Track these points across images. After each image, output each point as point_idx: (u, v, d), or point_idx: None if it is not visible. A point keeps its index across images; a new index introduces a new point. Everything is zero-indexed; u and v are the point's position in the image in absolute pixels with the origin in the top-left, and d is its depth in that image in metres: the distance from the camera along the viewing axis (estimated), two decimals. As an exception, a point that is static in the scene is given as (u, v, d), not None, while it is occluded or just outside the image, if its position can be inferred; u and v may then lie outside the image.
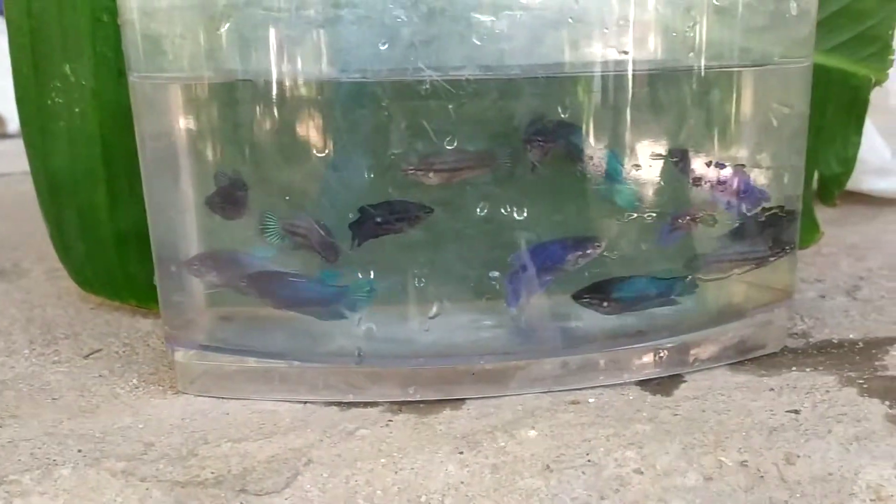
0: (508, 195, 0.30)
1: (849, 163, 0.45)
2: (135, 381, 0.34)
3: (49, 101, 0.38)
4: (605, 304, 0.31)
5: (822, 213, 0.64)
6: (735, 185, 0.31)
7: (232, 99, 0.29)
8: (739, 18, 0.30)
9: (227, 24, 0.28)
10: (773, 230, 0.33)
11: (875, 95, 0.61)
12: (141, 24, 0.29)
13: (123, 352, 0.37)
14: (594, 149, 0.30)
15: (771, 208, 0.33)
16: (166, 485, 0.26)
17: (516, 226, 0.30)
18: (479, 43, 0.28)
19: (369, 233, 0.30)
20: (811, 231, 0.46)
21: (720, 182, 0.31)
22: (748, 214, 0.32)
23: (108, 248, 0.40)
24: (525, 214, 0.31)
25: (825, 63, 0.42)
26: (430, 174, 0.29)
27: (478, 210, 0.30)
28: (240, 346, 0.32)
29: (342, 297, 0.30)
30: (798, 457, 0.28)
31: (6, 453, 0.28)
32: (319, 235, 0.30)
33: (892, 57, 0.43)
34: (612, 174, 0.30)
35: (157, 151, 0.31)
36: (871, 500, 0.27)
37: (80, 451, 0.28)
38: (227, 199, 0.30)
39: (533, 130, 0.29)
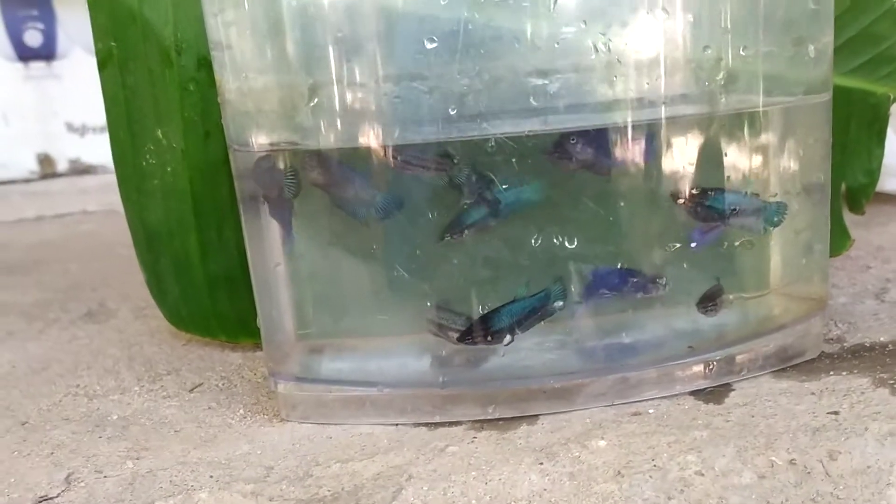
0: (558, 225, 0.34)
1: (873, 174, 0.48)
2: (241, 411, 0.38)
3: (143, 163, 0.43)
4: (489, 338, 0.34)
5: (848, 214, 0.68)
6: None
7: (321, 164, 0.34)
8: (764, 64, 0.34)
9: (316, 100, 0.32)
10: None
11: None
12: (238, 102, 0.34)
13: (223, 385, 0.42)
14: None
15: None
16: (292, 502, 0.30)
17: (568, 255, 0.34)
18: (535, 103, 0.32)
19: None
20: (842, 239, 0.49)
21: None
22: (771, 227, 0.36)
23: (200, 290, 0.44)
24: (575, 243, 0.34)
25: (846, 84, 0.45)
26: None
27: (532, 241, 0.34)
28: (336, 377, 0.36)
29: None
30: (840, 453, 0.31)
31: (148, 482, 0.32)
32: None
33: None
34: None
35: (255, 211, 0.35)
36: (907, 488, 0.31)
37: (211, 476, 0.32)
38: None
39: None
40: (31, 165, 1.24)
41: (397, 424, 0.35)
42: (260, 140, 0.34)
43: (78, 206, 1.02)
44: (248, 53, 0.33)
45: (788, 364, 0.38)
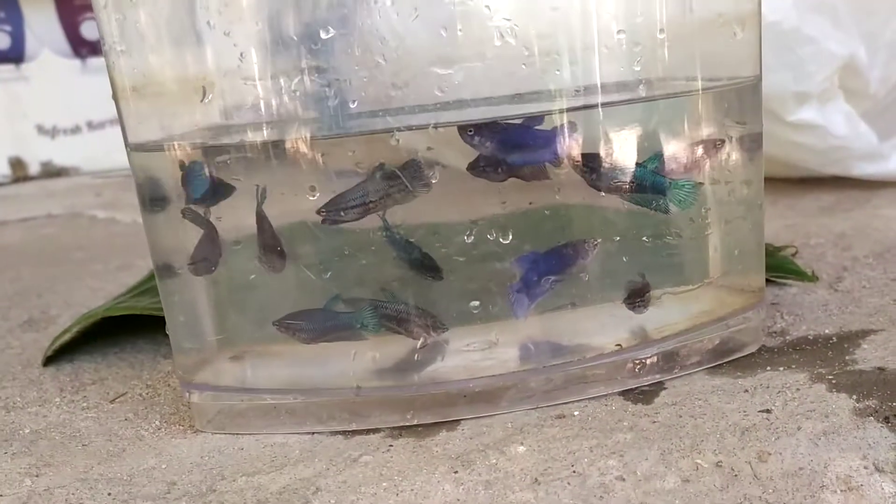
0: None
1: None
2: (157, 422, 0.37)
3: None
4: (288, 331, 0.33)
5: (815, 200, 0.66)
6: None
7: (219, 161, 0.32)
8: (686, 46, 0.32)
9: (210, 96, 0.31)
10: None
11: (857, 83, 0.63)
12: (132, 101, 0.32)
13: (147, 394, 0.40)
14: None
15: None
16: (188, 521, 0.29)
17: (497, 256, 0.33)
18: (440, 94, 0.30)
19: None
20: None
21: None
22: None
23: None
24: (509, 240, 0.33)
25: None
26: (342, 213, 0.31)
27: (465, 237, 0.33)
28: (249, 386, 0.34)
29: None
30: (770, 454, 0.30)
31: (43, 501, 0.30)
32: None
33: None
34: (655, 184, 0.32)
35: (157, 212, 0.34)
36: (841, 490, 0.29)
37: (109, 493, 0.31)
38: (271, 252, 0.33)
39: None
40: (2, 169, 1.23)
41: (313, 433, 0.34)
42: (155, 140, 0.32)
43: (44, 210, 1.01)
44: (138, 49, 0.31)
45: (726, 359, 0.36)
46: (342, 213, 0.31)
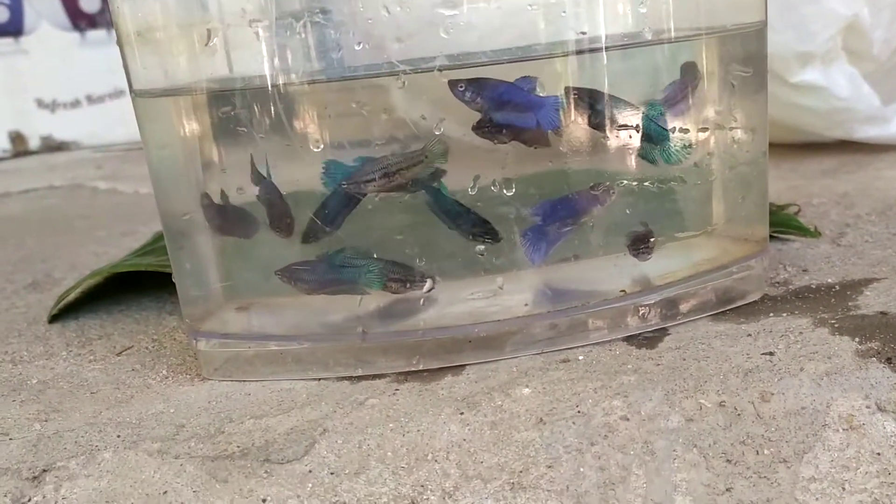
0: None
1: None
2: (164, 371, 0.37)
3: None
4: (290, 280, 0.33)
5: (818, 164, 0.66)
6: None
7: (224, 106, 0.32)
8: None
9: (215, 39, 0.31)
10: None
11: (860, 44, 0.63)
12: (137, 47, 0.32)
13: (153, 347, 0.41)
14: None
15: None
16: (198, 460, 0.29)
17: (502, 203, 0.33)
18: (446, 36, 0.30)
19: None
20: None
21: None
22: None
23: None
24: (513, 191, 0.33)
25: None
26: (362, 185, 0.31)
27: (469, 189, 0.33)
28: (256, 333, 0.35)
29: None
30: (772, 394, 0.30)
31: (53, 443, 0.31)
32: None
33: None
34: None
35: (162, 158, 0.34)
36: (843, 429, 0.30)
37: (118, 436, 0.31)
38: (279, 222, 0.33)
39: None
40: (2, 143, 1.22)
41: (319, 379, 0.34)
42: (161, 85, 0.32)
43: (45, 182, 1.01)
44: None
45: (729, 307, 0.36)
46: (362, 186, 0.31)
